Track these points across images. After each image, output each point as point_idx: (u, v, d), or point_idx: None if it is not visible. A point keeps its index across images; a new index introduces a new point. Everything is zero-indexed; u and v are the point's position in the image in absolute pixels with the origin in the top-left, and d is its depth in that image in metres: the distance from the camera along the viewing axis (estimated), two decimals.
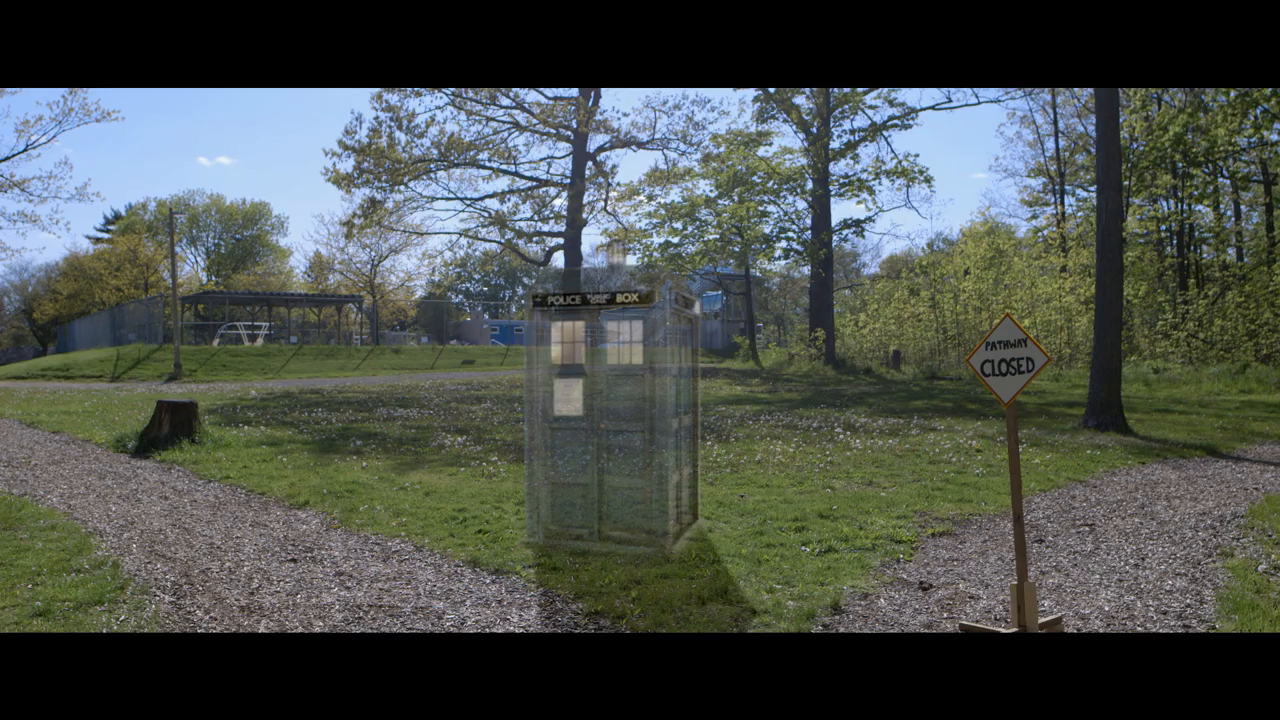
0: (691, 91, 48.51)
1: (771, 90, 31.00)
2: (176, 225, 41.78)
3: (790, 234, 34.03)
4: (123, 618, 4.51)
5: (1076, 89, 32.28)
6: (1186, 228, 33.22)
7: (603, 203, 26.43)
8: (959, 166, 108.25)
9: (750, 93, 33.61)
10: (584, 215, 25.58)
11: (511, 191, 26.08)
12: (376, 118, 23.52)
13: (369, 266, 55.61)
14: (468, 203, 26.16)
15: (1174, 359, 26.05)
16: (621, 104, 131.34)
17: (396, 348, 39.09)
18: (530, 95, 24.70)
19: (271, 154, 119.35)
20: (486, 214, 26.20)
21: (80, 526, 6.66)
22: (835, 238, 32.67)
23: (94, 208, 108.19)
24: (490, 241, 27.54)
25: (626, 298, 5.76)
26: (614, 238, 28.25)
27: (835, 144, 31.70)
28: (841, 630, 4.33)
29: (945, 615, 4.56)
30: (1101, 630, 4.35)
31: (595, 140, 25.71)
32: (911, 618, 4.52)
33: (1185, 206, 33.00)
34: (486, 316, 62.60)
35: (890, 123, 31.69)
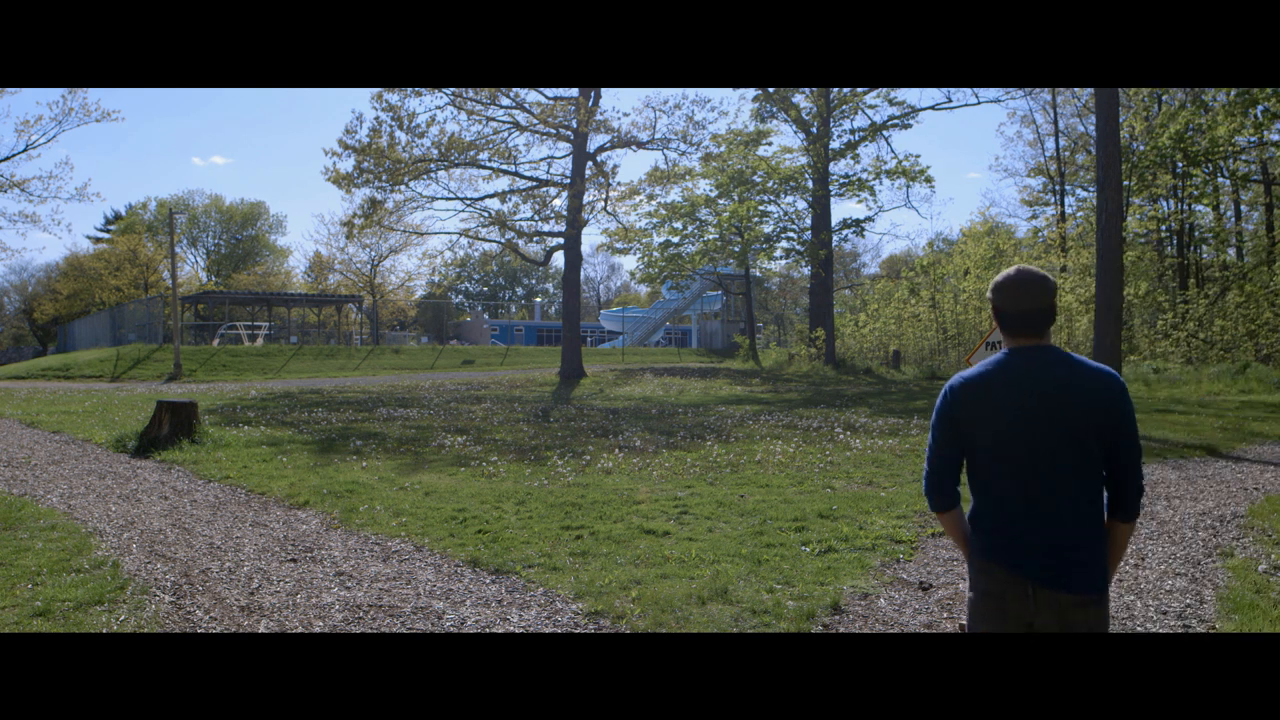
0: (691, 91, 48.51)
1: (771, 90, 31.00)
2: (176, 225, 41.75)
3: (790, 234, 34.05)
4: (123, 618, 4.51)
5: (1076, 89, 32.28)
6: (1186, 228, 33.22)
7: (603, 203, 26.37)
8: (959, 166, 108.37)
9: (750, 92, 33.65)
10: (584, 215, 25.53)
11: (512, 191, 26.03)
12: (377, 118, 23.54)
13: (369, 266, 55.64)
14: (468, 203, 26.12)
15: (1174, 359, 26.04)
16: (621, 104, 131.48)
17: (396, 348, 39.08)
18: (530, 95, 24.66)
19: (267, 153, 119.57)
20: (487, 214, 26.15)
21: (80, 526, 6.66)
22: (835, 238, 32.67)
23: (94, 208, 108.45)
24: (490, 241, 27.47)
25: None
26: (614, 237, 28.18)
27: (835, 144, 31.71)
28: (841, 630, 4.33)
29: (945, 615, 4.56)
30: None
31: (595, 140, 25.67)
32: (911, 618, 4.52)
33: (1185, 206, 32.99)
34: (486, 316, 62.62)
35: (890, 123, 31.70)
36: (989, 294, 2.48)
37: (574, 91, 24.39)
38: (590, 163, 25.69)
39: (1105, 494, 2.40)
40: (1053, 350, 2.37)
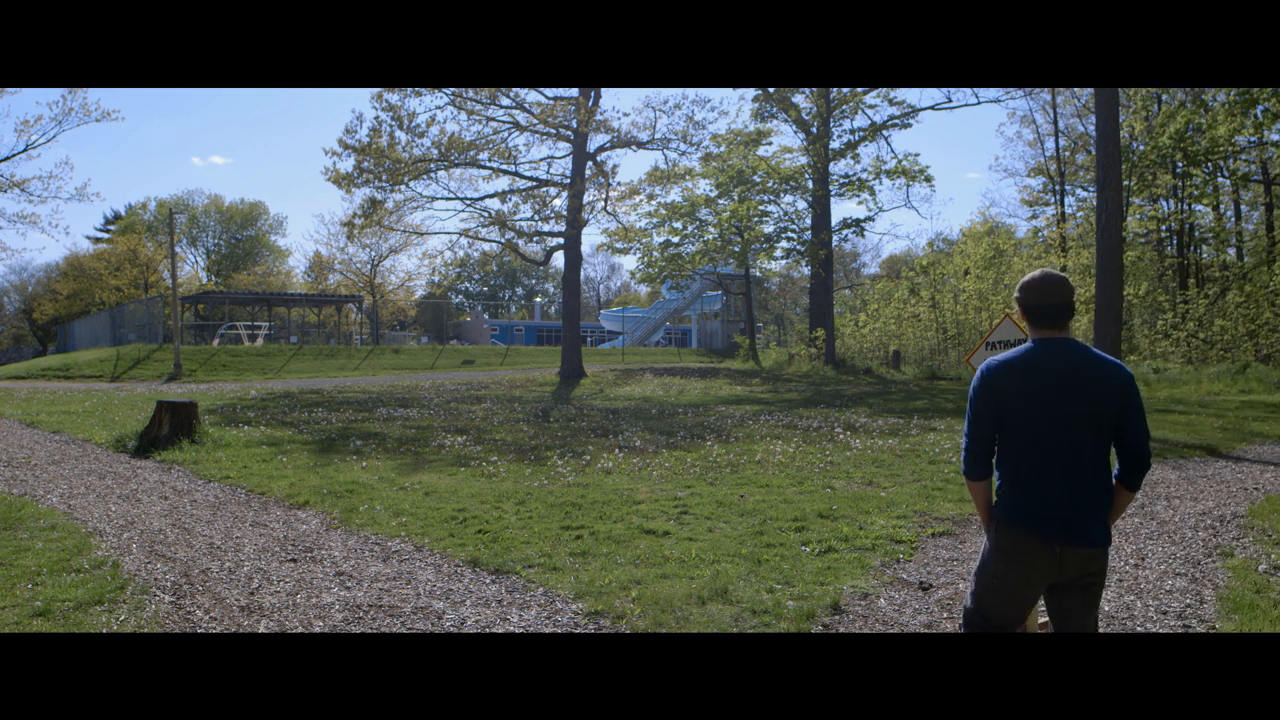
0: (691, 91, 48.51)
1: (771, 90, 31.00)
2: (176, 225, 41.75)
3: (790, 234, 34.05)
4: (123, 618, 4.51)
5: (1076, 89, 32.29)
6: (1186, 227, 33.21)
7: (603, 203, 26.36)
8: (959, 166, 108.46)
9: (750, 92, 33.66)
10: (584, 215, 25.53)
11: (512, 191, 26.02)
12: (377, 117, 23.56)
13: (369, 266, 55.64)
14: (468, 203, 26.10)
15: (1174, 359, 26.04)
16: (621, 104, 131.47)
17: (396, 348, 39.07)
18: (530, 95, 24.66)
19: (267, 153, 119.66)
20: (487, 214, 26.14)
21: (80, 526, 6.65)
22: (835, 238, 32.67)
23: (94, 208, 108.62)
24: (490, 241, 27.47)
25: None
26: (614, 237, 28.18)
27: (835, 144, 31.71)
28: (841, 630, 4.33)
29: (945, 615, 4.56)
30: (1101, 630, 4.35)
31: (595, 140, 25.66)
32: (911, 618, 4.52)
33: (1185, 206, 32.98)
34: (486, 316, 62.62)
35: (890, 122, 31.70)
36: (1017, 292, 2.83)
37: (574, 91, 24.39)
38: (590, 163, 25.69)
39: (1114, 464, 2.76)
40: (1072, 341, 2.73)
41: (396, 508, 7.20)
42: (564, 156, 26.08)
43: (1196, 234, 33.59)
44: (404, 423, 13.72)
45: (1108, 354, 12.16)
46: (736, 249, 33.71)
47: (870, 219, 42.75)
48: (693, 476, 8.65)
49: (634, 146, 25.85)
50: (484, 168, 25.21)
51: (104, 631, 4.32)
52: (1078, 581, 2.71)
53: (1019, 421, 2.70)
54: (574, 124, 24.53)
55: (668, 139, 25.71)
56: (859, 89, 30.65)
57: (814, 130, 31.77)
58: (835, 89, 30.69)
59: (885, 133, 32.06)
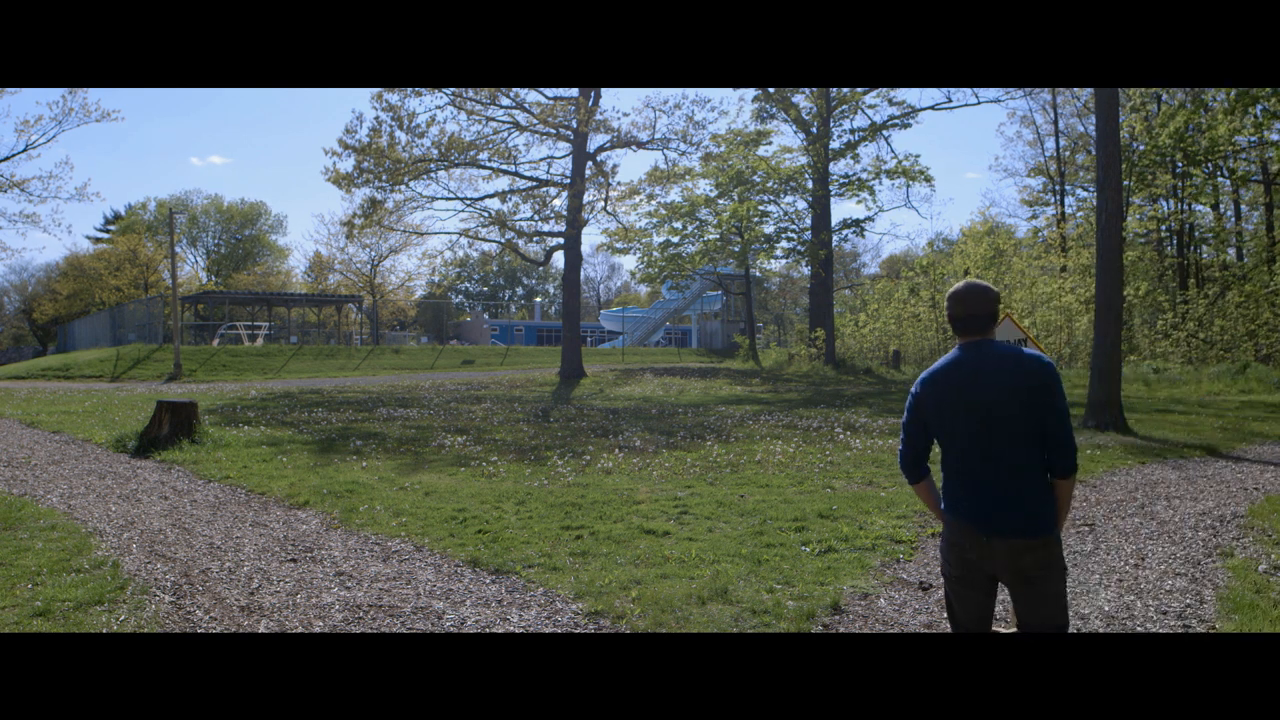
0: (691, 91, 48.55)
1: (771, 90, 31.00)
2: (176, 225, 41.75)
3: (790, 234, 34.06)
4: (123, 618, 4.51)
5: (1076, 89, 32.29)
6: (1186, 227, 33.21)
7: (603, 202, 26.36)
8: (959, 166, 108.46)
9: (750, 92, 33.66)
10: (584, 215, 25.53)
11: (511, 191, 26.01)
12: (377, 117, 23.56)
13: (369, 266, 55.64)
14: (468, 203, 26.10)
15: (1174, 359, 26.04)
16: (621, 104, 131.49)
17: (396, 348, 39.06)
18: (530, 95, 24.67)
19: (267, 153, 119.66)
20: (487, 214, 26.14)
21: (80, 526, 6.65)
22: (835, 238, 32.66)
23: (94, 208, 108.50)
24: (490, 241, 27.47)
25: None
26: (614, 237, 28.19)
27: (835, 144, 31.70)
28: (841, 630, 4.33)
29: (945, 615, 4.56)
30: (1101, 630, 4.35)
31: (595, 140, 25.67)
32: (911, 618, 4.53)
33: (1185, 206, 32.98)
34: (486, 316, 62.60)
35: (890, 123, 31.69)
36: (946, 302, 2.97)
37: (574, 91, 24.39)
38: (590, 163, 25.69)
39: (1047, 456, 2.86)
40: (994, 343, 2.89)
41: (396, 508, 7.20)
42: (564, 156, 26.09)
43: (1196, 234, 33.59)
44: (404, 423, 13.72)
45: (1107, 354, 12.05)
46: (736, 249, 33.72)
47: (870, 219, 42.77)
48: (693, 476, 8.65)
49: (634, 146, 25.85)
50: (484, 168, 25.22)
51: (104, 631, 4.32)
52: (1016, 575, 2.79)
53: (944, 423, 2.87)
54: (574, 124, 24.53)
55: (668, 139, 25.72)
56: (859, 89, 30.65)
57: (814, 130, 31.77)
58: (835, 89, 30.69)
59: (885, 133, 32.07)
